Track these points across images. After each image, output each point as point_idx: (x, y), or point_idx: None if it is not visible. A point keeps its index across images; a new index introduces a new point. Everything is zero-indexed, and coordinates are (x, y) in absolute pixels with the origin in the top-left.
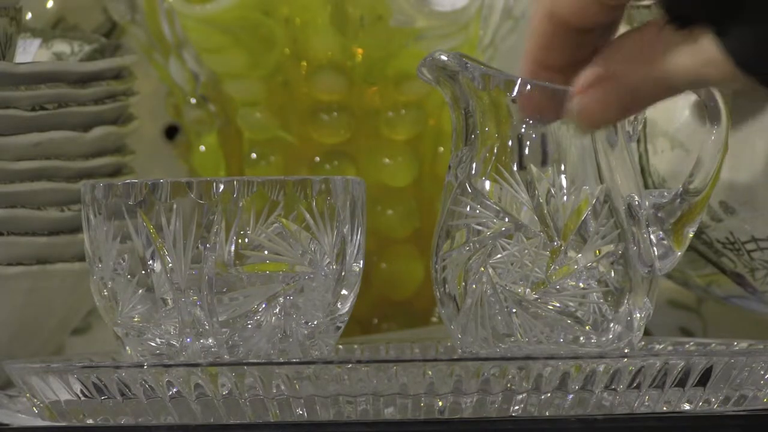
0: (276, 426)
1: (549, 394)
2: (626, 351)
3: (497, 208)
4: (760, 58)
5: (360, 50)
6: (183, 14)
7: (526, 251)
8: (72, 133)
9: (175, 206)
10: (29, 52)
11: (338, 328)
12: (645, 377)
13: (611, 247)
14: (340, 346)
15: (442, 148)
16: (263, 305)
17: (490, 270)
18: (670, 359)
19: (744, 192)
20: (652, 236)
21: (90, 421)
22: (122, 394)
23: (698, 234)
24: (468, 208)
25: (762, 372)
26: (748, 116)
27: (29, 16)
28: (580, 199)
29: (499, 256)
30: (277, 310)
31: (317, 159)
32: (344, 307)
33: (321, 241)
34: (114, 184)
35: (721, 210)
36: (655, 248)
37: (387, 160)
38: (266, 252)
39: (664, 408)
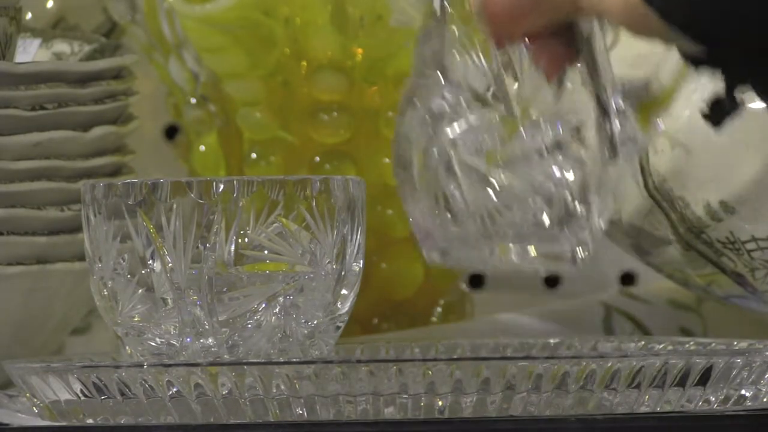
0: (276, 426)
1: (549, 394)
2: (626, 351)
3: (459, 79)
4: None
5: (360, 50)
6: (183, 14)
7: (485, 122)
8: (72, 133)
9: (175, 206)
10: (29, 52)
11: (338, 328)
12: (645, 377)
13: (573, 123)
14: (341, 346)
15: None
16: (263, 305)
17: (448, 139)
18: (670, 359)
19: (744, 191)
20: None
21: (90, 421)
22: (122, 394)
23: (698, 234)
24: (431, 80)
25: (762, 372)
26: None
27: (29, 16)
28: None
29: (456, 125)
30: (277, 309)
31: (317, 159)
32: (344, 307)
33: (321, 241)
34: (114, 184)
35: (721, 210)
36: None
37: (387, 160)
38: (266, 252)
39: (665, 408)
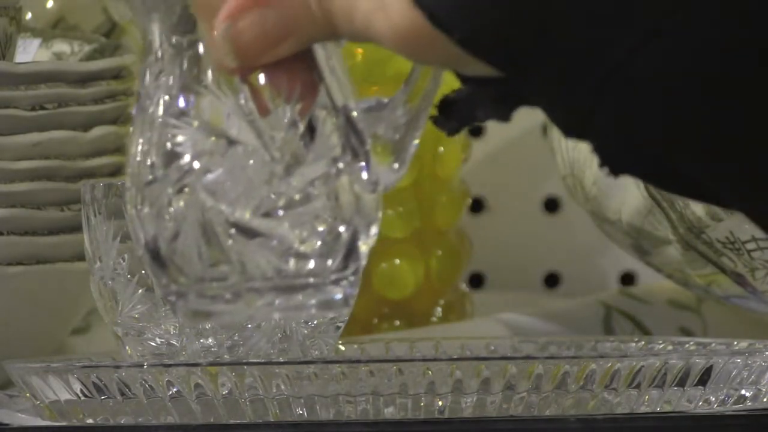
0: (276, 426)
1: (549, 394)
2: (626, 351)
3: (197, 123)
4: (457, 9)
5: (360, 50)
6: None
7: (238, 169)
8: (72, 133)
9: None
10: (29, 52)
11: (338, 328)
12: (645, 377)
13: (332, 166)
14: (341, 346)
15: (442, 148)
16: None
17: (201, 195)
18: (670, 359)
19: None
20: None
21: (90, 421)
22: (122, 394)
23: (698, 234)
24: (160, 129)
25: (762, 372)
26: None
27: (29, 16)
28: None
29: (208, 177)
30: None
31: None
32: None
33: None
34: (114, 184)
35: (721, 209)
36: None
37: None
38: None
39: (665, 408)
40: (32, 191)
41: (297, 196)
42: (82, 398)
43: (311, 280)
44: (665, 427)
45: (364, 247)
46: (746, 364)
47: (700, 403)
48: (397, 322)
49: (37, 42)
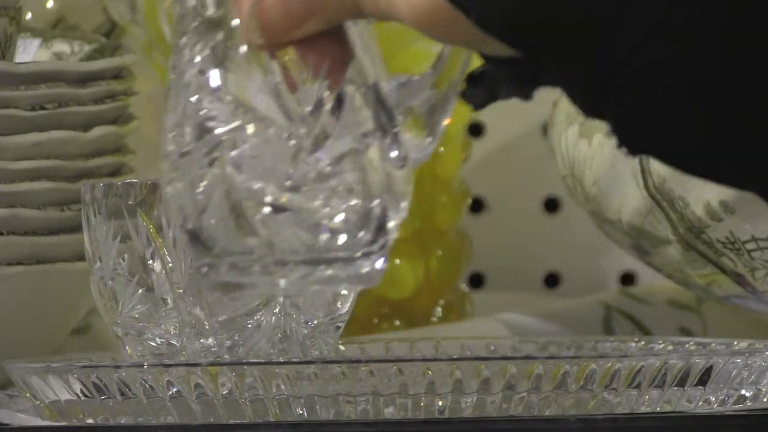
0: (276, 426)
1: (549, 394)
2: (626, 351)
3: (227, 99)
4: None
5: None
6: None
7: (266, 145)
8: (72, 133)
9: None
10: (29, 52)
11: (338, 328)
12: (645, 377)
13: (360, 141)
14: (341, 346)
15: (442, 148)
16: (263, 305)
17: (228, 169)
18: (670, 359)
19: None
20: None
21: (90, 421)
22: (122, 394)
23: (698, 234)
24: (193, 104)
25: (762, 372)
26: None
27: (29, 16)
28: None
29: (235, 152)
30: (277, 309)
31: None
32: (344, 307)
33: None
34: (114, 184)
35: (721, 209)
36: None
37: None
38: None
39: (665, 408)
40: (32, 191)
41: (326, 171)
42: (82, 398)
43: (341, 254)
44: (665, 427)
45: (393, 222)
46: (746, 364)
47: (700, 403)
48: (397, 322)
49: (37, 42)
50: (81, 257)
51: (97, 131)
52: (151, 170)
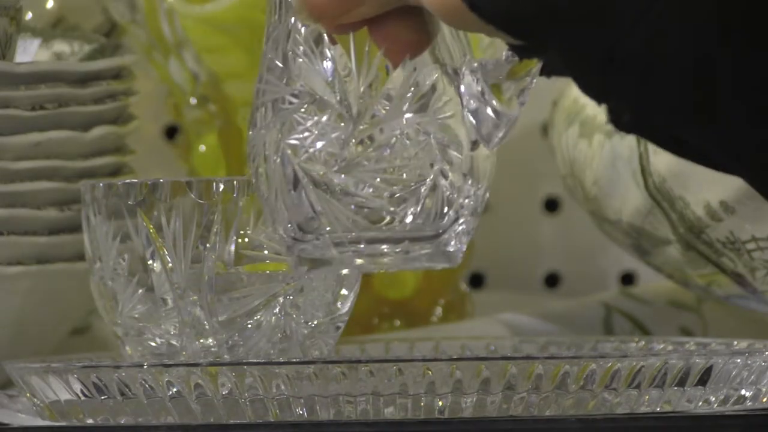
0: (276, 426)
1: (549, 394)
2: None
3: (294, 79)
4: None
5: None
6: (183, 14)
7: (323, 126)
8: (72, 133)
9: (175, 206)
10: (29, 52)
11: (338, 328)
12: (645, 377)
13: (421, 118)
14: (341, 346)
15: None
16: (263, 305)
17: (288, 149)
18: (670, 359)
19: (744, 191)
20: (474, 104)
21: (90, 421)
22: (122, 394)
23: (698, 234)
24: (268, 83)
25: (762, 372)
26: None
27: (29, 16)
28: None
29: (297, 133)
30: (277, 309)
31: None
32: (344, 307)
33: None
34: (114, 184)
35: (721, 210)
36: (481, 117)
37: None
38: (266, 252)
39: (665, 408)
40: (32, 191)
41: (387, 152)
42: (82, 398)
43: (426, 232)
44: (665, 427)
45: (470, 202)
46: (746, 364)
47: (700, 403)
48: (397, 322)
49: (37, 42)
50: (81, 257)
51: (97, 131)
52: (151, 170)
